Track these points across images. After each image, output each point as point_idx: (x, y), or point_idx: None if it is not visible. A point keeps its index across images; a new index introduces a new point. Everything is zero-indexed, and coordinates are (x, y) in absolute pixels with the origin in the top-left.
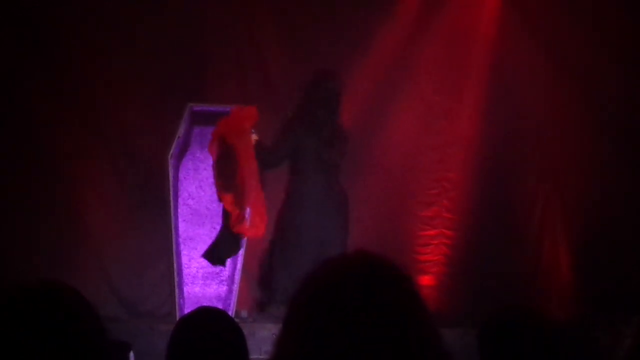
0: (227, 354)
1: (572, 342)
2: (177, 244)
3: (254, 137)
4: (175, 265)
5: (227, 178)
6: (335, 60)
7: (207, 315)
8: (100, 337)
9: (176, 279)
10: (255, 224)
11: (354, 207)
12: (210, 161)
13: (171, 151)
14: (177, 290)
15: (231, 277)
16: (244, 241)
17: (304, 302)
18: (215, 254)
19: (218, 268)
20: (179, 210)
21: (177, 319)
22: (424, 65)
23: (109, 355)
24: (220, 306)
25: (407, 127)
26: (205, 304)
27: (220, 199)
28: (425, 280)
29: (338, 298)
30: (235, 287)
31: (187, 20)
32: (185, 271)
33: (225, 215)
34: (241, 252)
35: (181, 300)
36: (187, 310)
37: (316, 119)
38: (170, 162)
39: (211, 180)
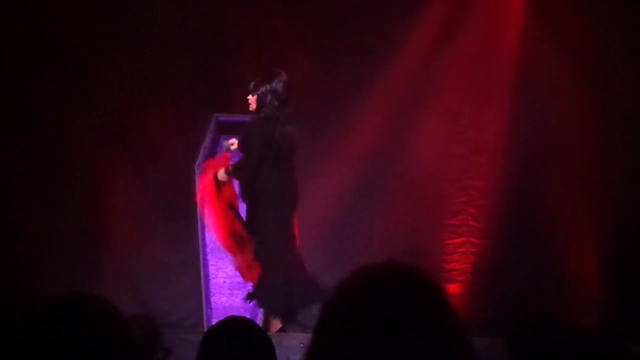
0: None
1: (603, 351)
2: (204, 255)
3: (233, 147)
4: (202, 275)
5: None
6: (359, 69)
7: (236, 325)
8: (130, 346)
9: (203, 290)
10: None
11: (380, 215)
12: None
13: (197, 161)
14: (204, 301)
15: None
16: None
17: (335, 312)
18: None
19: None
20: (205, 220)
21: (205, 329)
22: (449, 74)
23: None
24: (247, 316)
25: (433, 136)
26: (232, 314)
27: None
28: (452, 289)
29: (369, 308)
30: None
31: (211, 29)
32: (212, 281)
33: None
34: None
35: (208, 311)
36: (214, 321)
37: (282, 114)
38: (197, 172)
39: (238, 190)
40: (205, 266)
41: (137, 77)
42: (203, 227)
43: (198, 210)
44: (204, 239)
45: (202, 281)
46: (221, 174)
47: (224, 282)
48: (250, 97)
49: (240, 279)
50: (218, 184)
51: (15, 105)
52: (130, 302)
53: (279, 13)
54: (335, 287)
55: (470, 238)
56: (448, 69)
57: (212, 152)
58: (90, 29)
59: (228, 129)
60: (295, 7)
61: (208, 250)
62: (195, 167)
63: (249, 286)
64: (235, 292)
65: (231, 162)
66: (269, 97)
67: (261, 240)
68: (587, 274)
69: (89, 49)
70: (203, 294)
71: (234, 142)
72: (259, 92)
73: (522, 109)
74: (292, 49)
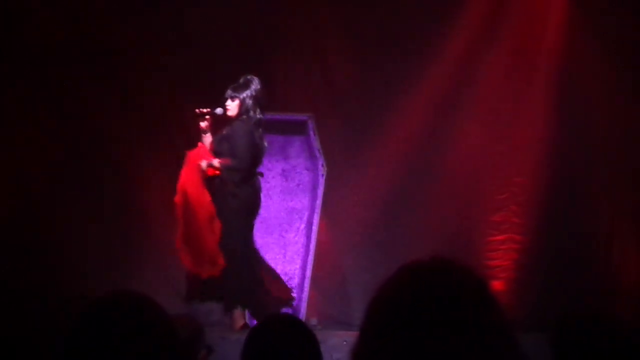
0: None
1: None
2: None
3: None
4: None
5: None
6: (400, 68)
7: (282, 322)
8: (175, 345)
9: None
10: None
11: (421, 213)
12: (277, 170)
13: None
14: None
15: (300, 285)
16: (311, 249)
17: (381, 310)
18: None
19: (287, 276)
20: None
21: (248, 327)
22: (489, 72)
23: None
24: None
25: (474, 134)
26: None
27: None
28: (495, 286)
29: (416, 305)
30: (305, 295)
31: (256, 30)
32: None
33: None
34: (310, 260)
35: None
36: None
37: (259, 119)
38: None
39: (279, 188)
40: None
41: (176, 75)
42: None
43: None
44: None
45: None
46: (204, 165)
47: None
48: (229, 102)
49: (283, 277)
50: (202, 173)
51: (58, 105)
52: (171, 301)
53: (319, 12)
54: (380, 284)
55: (512, 235)
56: (489, 67)
57: None
58: (130, 28)
59: (269, 127)
60: (337, 7)
61: None
62: None
63: (291, 280)
64: None
65: (219, 160)
66: (250, 102)
67: (229, 232)
68: (629, 270)
69: (130, 47)
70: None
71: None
72: (241, 98)
73: (563, 105)
74: (333, 49)
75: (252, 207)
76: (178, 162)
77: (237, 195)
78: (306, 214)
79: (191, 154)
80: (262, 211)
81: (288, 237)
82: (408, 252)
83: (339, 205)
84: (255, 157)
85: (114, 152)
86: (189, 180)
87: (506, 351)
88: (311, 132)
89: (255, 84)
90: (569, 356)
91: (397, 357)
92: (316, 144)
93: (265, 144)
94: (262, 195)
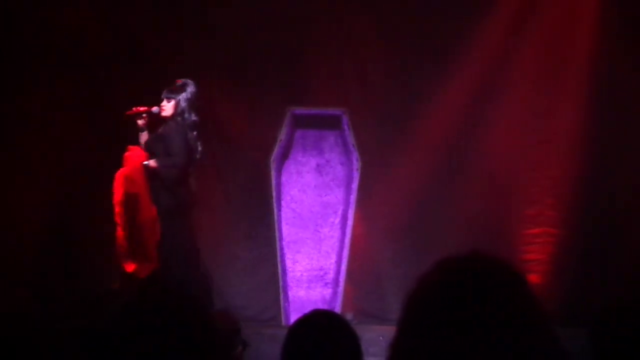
0: (344, 357)
1: None
2: (281, 248)
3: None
4: (279, 269)
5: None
6: (432, 63)
7: (322, 318)
8: (214, 341)
9: (281, 283)
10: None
11: (455, 207)
12: (312, 165)
13: (273, 155)
14: (282, 294)
15: (336, 280)
16: (346, 244)
17: (419, 305)
18: None
19: (323, 271)
20: (282, 214)
21: (283, 323)
22: (522, 64)
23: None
24: (327, 308)
25: (507, 127)
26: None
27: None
28: (531, 280)
29: (454, 299)
30: (340, 289)
31: (288, 27)
32: (289, 275)
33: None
34: (345, 254)
35: (286, 304)
36: (292, 314)
37: (193, 122)
38: (273, 166)
39: (314, 183)
40: (282, 260)
41: (212, 73)
42: (279, 221)
43: (274, 203)
44: (280, 232)
45: (279, 275)
46: (144, 165)
47: (301, 275)
48: (165, 102)
49: (318, 272)
50: (143, 174)
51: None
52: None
53: (354, 12)
54: (418, 278)
55: (547, 228)
56: (521, 61)
57: (288, 146)
58: (164, 28)
59: (303, 123)
60: (369, 3)
61: (285, 243)
62: (271, 161)
63: (326, 275)
64: (313, 285)
65: (155, 160)
66: (185, 105)
67: (166, 233)
68: None
69: (164, 47)
70: (280, 287)
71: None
72: (176, 99)
73: (597, 97)
74: (366, 44)
75: (188, 207)
76: (212, 159)
77: (173, 196)
78: (341, 208)
79: (128, 155)
80: (297, 206)
81: (323, 232)
82: (443, 246)
83: (373, 200)
84: (190, 157)
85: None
86: (130, 181)
87: (546, 346)
88: (345, 127)
89: (191, 87)
90: (610, 351)
91: (436, 352)
92: (350, 138)
93: (200, 147)
94: (296, 190)
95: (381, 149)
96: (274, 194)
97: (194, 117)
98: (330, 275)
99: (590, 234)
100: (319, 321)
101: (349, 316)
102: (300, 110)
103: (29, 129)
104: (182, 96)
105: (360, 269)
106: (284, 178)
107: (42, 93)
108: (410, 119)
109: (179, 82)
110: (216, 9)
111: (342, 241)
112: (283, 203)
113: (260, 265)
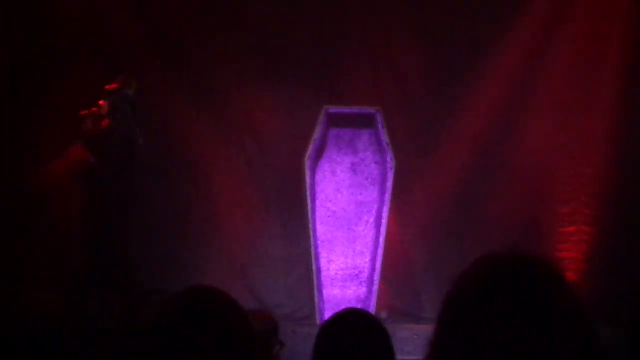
0: (375, 355)
1: None
2: (316, 247)
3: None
4: (314, 267)
5: None
6: (468, 60)
7: (354, 316)
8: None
9: (315, 282)
10: None
11: (490, 205)
12: (346, 163)
13: (307, 153)
14: (316, 293)
15: (370, 279)
16: (381, 242)
17: (460, 301)
18: None
19: (357, 269)
20: (316, 213)
21: (317, 321)
22: (555, 63)
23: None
24: (360, 307)
25: (544, 125)
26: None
27: None
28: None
29: (495, 297)
30: (375, 288)
31: (323, 25)
32: (324, 273)
33: None
34: (379, 253)
35: (321, 303)
36: (327, 313)
37: (133, 118)
38: (307, 165)
39: (348, 182)
40: (317, 259)
41: (248, 74)
42: (314, 220)
43: (309, 202)
44: (314, 231)
45: (314, 274)
46: (82, 160)
47: (335, 274)
48: (104, 102)
49: (352, 271)
50: (79, 168)
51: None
52: (243, 295)
53: (390, 12)
54: (458, 277)
55: (582, 226)
56: (558, 58)
57: (322, 145)
58: (207, 30)
59: (337, 121)
60: (408, 3)
61: (319, 242)
62: (306, 159)
63: (361, 274)
64: (347, 284)
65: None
66: (124, 104)
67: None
68: None
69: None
70: (315, 286)
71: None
72: (113, 98)
73: (632, 96)
74: (401, 43)
75: (128, 201)
76: (246, 158)
77: (113, 190)
78: (375, 206)
79: (72, 150)
80: (331, 205)
81: (357, 231)
82: (477, 245)
83: (408, 198)
84: (130, 153)
85: (187, 150)
86: (66, 174)
87: (586, 343)
88: (379, 125)
89: (131, 85)
90: None
91: (477, 351)
92: (384, 137)
93: (141, 141)
94: (331, 189)
95: (415, 148)
96: (308, 193)
97: (132, 116)
98: (365, 273)
99: (625, 232)
100: (350, 319)
101: (383, 314)
102: (335, 109)
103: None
104: (122, 95)
105: (395, 268)
106: (318, 177)
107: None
108: (445, 117)
109: (120, 79)
110: (255, 6)
111: (376, 240)
112: (317, 202)
113: (295, 264)
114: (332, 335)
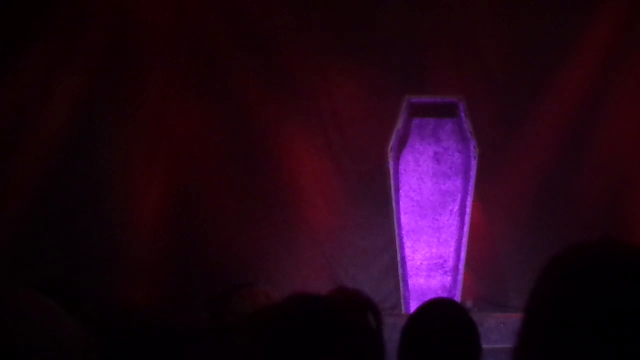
0: (462, 345)
1: None
2: (401, 237)
3: None
4: (399, 257)
5: None
6: (550, 48)
7: (442, 307)
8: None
9: (400, 272)
10: None
11: (576, 194)
12: (429, 153)
13: (391, 143)
14: (401, 283)
15: (455, 268)
16: (465, 232)
17: (550, 291)
18: None
19: (442, 259)
20: (400, 203)
21: (403, 311)
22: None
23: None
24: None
25: (622, 121)
26: (430, 296)
27: None
28: None
29: (587, 286)
30: (460, 277)
31: (403, 15)
32: (409, 263)
33: None
34: (464, 242)
35: (406, 293)
36: (412, 303)
37: None
38: (390, 155)
39: (432, 171)
40: (402, 248)
41: (330, 66)
42: (398, 210)
43: (393, 193)
44: (399, 221)
45: (399, 263)
46: None
47: (420, 263)
48: None
49: (437, 261)
50: None
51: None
52: (328, 286)
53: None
54: (546, 265)
55: None
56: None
57: (405, 135)
58: (282, 15)
59: (420, 111)
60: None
61: (404, 232)
62: (389, 150)
63: (446, 263)
64: (433, 273)
65: None
66: None
67: None
68: None
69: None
70: (400, 276)
71: None
72: None
73: None
74: (485, 32)
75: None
76: (330, 148)
77: None
78: (459, 196)
79: None
80: (415, 194)
81: (442, 220)
82: (563, 233)
83: (492, 187)
84: None
85: (275, 144)
86: None
87: None
88: (462, 114)
89: None
90: None
91: (567, 343)
92: (468, 126)
93: None
94: (415, 178)
95: (499, 136)
96: (392, 183)
97: None
98: (450, 263)
99: None
100: (438, 309)
101: (469, 304)
102: (417, 99)
103: (145, 119)
104: None
105: (480, 257)
106: (401, 167)
107: (157, 82)
108: (529, 105)
109: None
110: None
111: (460, 229)
112: (401, 192)
113: (379, 254)
114: (421, 325)
